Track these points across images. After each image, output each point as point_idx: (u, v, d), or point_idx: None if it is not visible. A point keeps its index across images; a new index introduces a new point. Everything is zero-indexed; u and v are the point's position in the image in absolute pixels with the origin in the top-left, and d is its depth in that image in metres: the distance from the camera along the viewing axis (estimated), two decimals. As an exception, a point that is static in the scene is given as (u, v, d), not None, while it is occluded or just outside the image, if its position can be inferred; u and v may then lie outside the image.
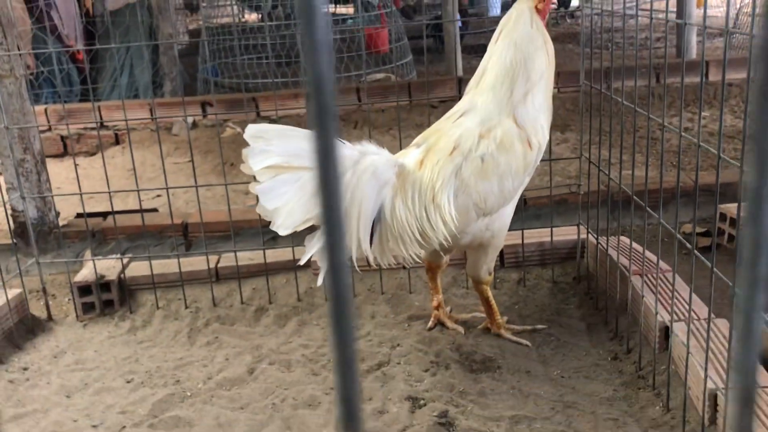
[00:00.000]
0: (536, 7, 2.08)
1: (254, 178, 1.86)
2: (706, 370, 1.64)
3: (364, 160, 1.89)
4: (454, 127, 2.05)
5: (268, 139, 1.84)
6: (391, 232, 1.95)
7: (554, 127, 4.68)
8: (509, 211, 2.13)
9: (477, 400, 1.91)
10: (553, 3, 2.20)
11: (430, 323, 2.31)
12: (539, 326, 2.28)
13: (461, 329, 2.27)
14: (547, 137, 2.13)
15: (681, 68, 1.71)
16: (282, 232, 1.84)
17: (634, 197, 2.01)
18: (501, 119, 2.03)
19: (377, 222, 1.93)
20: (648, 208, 1.91)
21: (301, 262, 1.95)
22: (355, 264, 1.98)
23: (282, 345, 2.30)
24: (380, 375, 2.07)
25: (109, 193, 2.55)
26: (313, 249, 1.89)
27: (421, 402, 1.91)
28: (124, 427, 1.91)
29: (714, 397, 1.64)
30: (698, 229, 2.78)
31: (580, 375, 2.03)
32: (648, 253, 2.32)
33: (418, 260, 2.09)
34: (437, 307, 2.31)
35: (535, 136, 2.07)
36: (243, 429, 1.88)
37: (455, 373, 2.04)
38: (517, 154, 2.03)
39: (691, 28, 5.49)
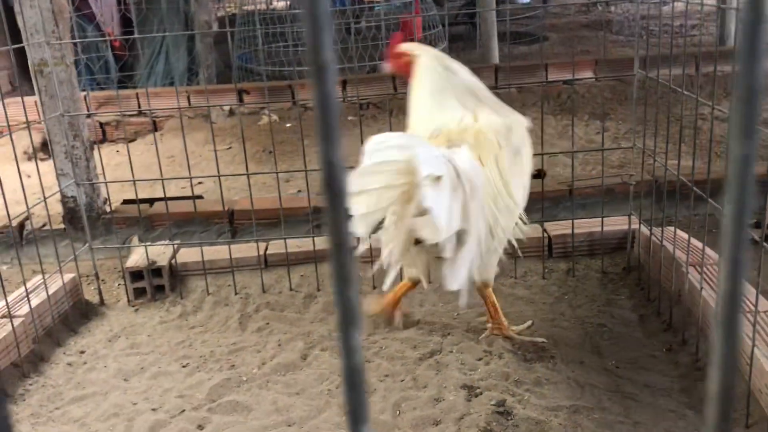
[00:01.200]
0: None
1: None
2: (771, 363, 1.63)
3: (459, 163, 1.75)
4: (477, 125, 2.04)
5: (412, 146, 1.68)
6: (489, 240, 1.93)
7: (594, 115, 4.66)
8: None
9: (533, 389, 1.91)
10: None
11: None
12: (539, 340, 2.17)
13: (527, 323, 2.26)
14: None
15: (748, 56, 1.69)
16: (447, 245, 1.69)
17: (694, 188, 1.99)
18: (508, 116, 2.07)
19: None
20: (710, 199, 1.89)
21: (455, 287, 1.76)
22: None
23: (332, 332, 2.31)
24: (433, 363, 2.08)
25: (162, 180, 2.58)
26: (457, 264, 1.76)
27: (477, 390, 1.92)
28: (183, 410, 1.94)
29: (780, 391, 1.63)
30: (754, 220, 2.74)
31: (635, 366, 2.02)
32: (697, 242, 2.30)
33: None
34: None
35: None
36: (300, 414, 1.90)
37: (509, 363, 2.04)
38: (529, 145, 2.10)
39: (734, 14, 5.39)
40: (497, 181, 1.95)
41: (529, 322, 2.24)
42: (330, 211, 0.33)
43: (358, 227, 1.69)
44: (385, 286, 1.86)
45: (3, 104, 2.38)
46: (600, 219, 2.58)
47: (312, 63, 0.29)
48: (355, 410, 0.37)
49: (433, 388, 1.95)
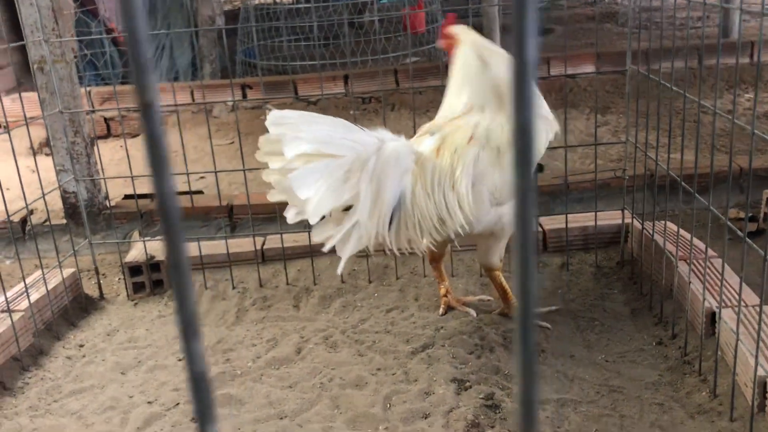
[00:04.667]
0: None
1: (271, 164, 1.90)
2: (756, 357, 1.65)
3: (385, 147, 1.92)
4: (469, 119, 2.09)
5: (295, 126, 1.85)
6: (411, 219, 1.99)
7: (595, 109, 4.66)
8: None
9: (522, 383, 1.93)
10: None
11: (440, 309, 2.34)
12: (554, 307, 2.32)
13: (473, 312, 2.30)
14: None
15: (737, 49, 1.70)
16: (313, 221, 1.83)
17: (683, 183, 2.00)
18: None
19: (396, 209, 1.96)
20: (696, 194, 1.90)
21: (326, 249, 1.95)
22: (371, 250, 2.04)
23: (327, 326, 2.34)
24: (425, 357, 2.10)
25: (159, 175, 2.61)
26: (337, 236, 1.92)
27: (467, 384, 1.94)
28: (178, 403, 1.98)
29: (764, 384, 1.64)
30: (743, 214, 2.75)
31: (624, 360, 2.04)
32: (695, 240, 2.31)
33: (432, 248, 2.12)
34: (446, 294, 2.36)
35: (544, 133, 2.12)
36: (292, 407, 1.93)
37: (500, 356, 2.07)
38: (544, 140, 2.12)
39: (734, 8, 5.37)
40: (443, 171, 1.99)
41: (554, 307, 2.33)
42: (166, 237, 0.36)
43: (271, 180, 1.91)
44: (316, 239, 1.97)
45: (0, 102, 2.41)
46: (594, 213, 2.59)
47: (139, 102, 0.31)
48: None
49: (424, 382, 1.98)
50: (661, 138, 2.67)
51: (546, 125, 2.12)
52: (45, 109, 2.88)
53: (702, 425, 1.72)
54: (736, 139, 3.57)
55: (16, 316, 2.23)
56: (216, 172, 2.64)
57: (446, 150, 2.04)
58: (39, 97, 2.86)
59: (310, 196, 1.80)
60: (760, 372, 1.64)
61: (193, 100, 5.15)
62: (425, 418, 1.83)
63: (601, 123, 4.32)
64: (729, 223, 1.74)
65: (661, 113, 2.28)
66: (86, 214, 2.99)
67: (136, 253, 2.71)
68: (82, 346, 2.34)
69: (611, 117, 4.42)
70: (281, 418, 1.89)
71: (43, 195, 2.49)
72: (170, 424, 1.90)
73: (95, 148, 3.16)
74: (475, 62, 2.13)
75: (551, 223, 2.68)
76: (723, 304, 1.92)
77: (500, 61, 2.13)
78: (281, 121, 1.86)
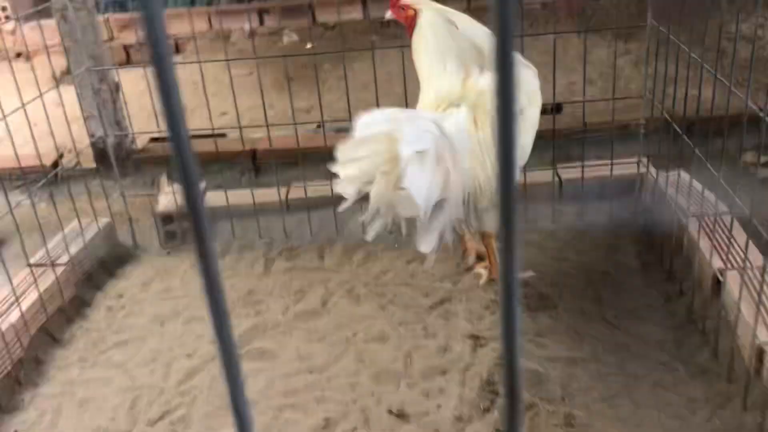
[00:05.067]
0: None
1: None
2: (756, 324, 1.74)
3: (447, 131, 1.87)
4: (484, 81, 2.09)
5: (399, 124, 1.77)
6: (480, 199, 2.04)
7: (618, 36, 4.57)
8: None
9: (535, 339, 2.06)
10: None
11: (482, 279, 2.38)
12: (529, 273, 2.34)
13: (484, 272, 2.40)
14: None
15: None
16: (424, 220, 1.81)
17: (692, 142, 2.04)
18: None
19: None
20: (706, 161, 1.95)
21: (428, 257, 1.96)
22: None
23: (351, 277, 2.47)
24: (443, 312, 2.23)
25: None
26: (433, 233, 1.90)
27: (483, 341, 2.07)
28: (215, 357, 2.14)
29: (761, 352, 1.75)
30: (762, 158, 2.78)
31: (633, 316, 2.15)
32: (707, 193, 2.36)
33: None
34: (478, 256, 2.45)
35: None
36: (320, 362, 2.08)
37: (514, 312, 2.18)
38: (538, 105, 2.14)
39: None
40: (488, 143, 2.03)
41: (531, 273, 2.36)
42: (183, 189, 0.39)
43: (347, 189, 1.84)
44: (369, 237, 1.97)
45: (21, 31, 2.46)
46: (610, 162, 2.63)
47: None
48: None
49: (442, 338, 2.11)
50: (682, 72, 2.67)
51: (531, 75, 2.14)
52: (71, 58, 2.93)
53: (701, 386, 1.85)
54: (760, 73, 3.53)
55: (59, 270, 2.37)
56: (240, 126, 2.70)
57: (483, 120, 2.05)
58: (63, 45, 2.90)
59: (422, 199, 1.74)
60: (759, 339, 1.74)
61: (211, 26, 5.13)
62: (443, 374, 1.98)
63: (624, 52, 4.26)
64: (736, 199, 1.79)
65: (681, 51, 2.26)
66: (115, 159, 3.08)
67: (166, 201, 2.82)
68: (121, 296, 2.50)
69: (633, 45, 4.35)
70: (310, 372, 2.05)
71: (75, 149, 2.58)
72: (210, 377, 2.06)
73: (120, 92, 3.21)
74: (446, 29, 2.13)
75: (568, 172, 2.73)
76: (729, 265, 2.01)
77: (465, 19, 2.15)
78: (371, 123, 1.79)
